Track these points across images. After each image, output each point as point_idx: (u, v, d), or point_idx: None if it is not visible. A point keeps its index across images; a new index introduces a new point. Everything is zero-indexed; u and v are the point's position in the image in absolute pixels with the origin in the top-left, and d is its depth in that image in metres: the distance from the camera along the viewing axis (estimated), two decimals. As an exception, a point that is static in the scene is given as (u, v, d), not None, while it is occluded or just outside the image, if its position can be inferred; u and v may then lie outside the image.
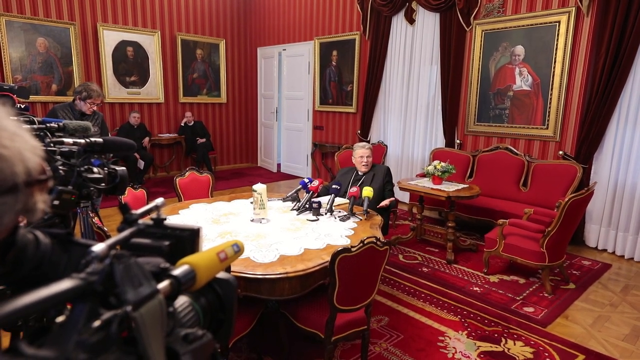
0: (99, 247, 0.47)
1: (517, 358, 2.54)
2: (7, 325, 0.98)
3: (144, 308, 0.46)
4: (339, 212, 3.00)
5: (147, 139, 7.09)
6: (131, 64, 7.22)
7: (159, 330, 0.47)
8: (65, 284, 0.43)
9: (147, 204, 0.63)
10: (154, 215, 0.63)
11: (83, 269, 0.46)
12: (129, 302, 0.45)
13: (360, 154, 3.56)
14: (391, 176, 3.63)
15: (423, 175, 4.58)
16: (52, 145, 1.09)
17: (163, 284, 0.51)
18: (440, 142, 5.73)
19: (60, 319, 0.45)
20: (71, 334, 0.42)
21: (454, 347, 2.64)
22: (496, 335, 2.79)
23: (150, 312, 0.46)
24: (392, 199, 3.40)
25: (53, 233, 0.65)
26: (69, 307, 0.46)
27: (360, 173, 3.61)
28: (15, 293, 0.68)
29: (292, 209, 3.01)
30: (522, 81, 4.87)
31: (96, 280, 0.45)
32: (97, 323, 0.43)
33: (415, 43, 5.87)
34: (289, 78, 8.07)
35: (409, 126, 6.13)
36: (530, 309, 3.14)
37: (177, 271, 0.53)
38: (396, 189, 4.26)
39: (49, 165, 0.99)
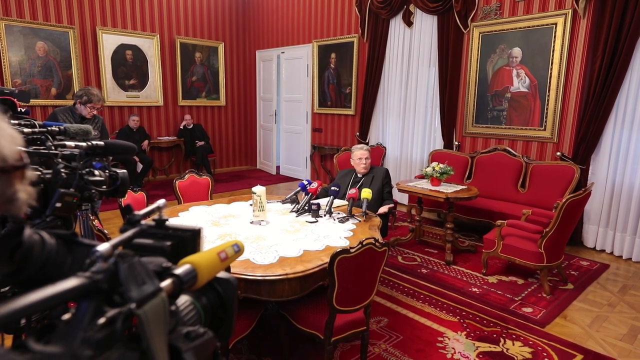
0: (103, 247, 0.48)
1: (515, 358, 2.56)
2: (14, 322, 0.99)
3: (148, 306, 0.47)
4: (338, 213, 3.01)
5: (146, 142, 7.10)
6: (130, 68, 7.24)
7: (162, 327, 0.48)
8: (71, 282, 0.44)
9: (147, 206, 0.64)
10: (155, 216, 0.64)
11: (88, 268, 0.47)
12: (133, 299, 0.46)
13: (359, 156, 3.58)
14: (390, 178, 3.64)
15: (422, 177, 4.60)
16: (53, 148, 1.10)
17: (166, 283, 0.52)
18: (438, 143, 5.75)
19: (66, 316, 0.46)
20: (77, 331, 0.43)
21: (453, 348, 2.65)
22: (495, 335, 2.80)
23: (154, 309, 0.47)
24: (391, 205, 3.41)
25: (58, 234, 0.66)
26: (71, 307, 0.47)
27: (359, 175, 3.62)
28: (18, 294, 0.69)
29: (292, 211, 3.03)
30: (520, 83, 4.90)
31: (101, 279, 0.46)
32: (102, 320, 0.44)
33: (413, 45, 5.89)
34: (287, 81, 8.09)
35: (407, 128, 6.15)
36: (529, 310, 3.15)
37: (179, 270, 0.54)
38: (395, 191, 4.28)
39: (51, 168, 1.01)
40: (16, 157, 0.54)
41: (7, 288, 0.89)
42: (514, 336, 2.79)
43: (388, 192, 3.54)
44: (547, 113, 4.69)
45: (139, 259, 0.50)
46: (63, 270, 0.63)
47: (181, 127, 7.79)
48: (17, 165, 0.54)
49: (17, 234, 0.60)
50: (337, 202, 3.17)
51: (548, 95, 4.66)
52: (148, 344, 0.46)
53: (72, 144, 1.14)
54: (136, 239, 0.59)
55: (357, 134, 6.74)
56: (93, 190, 1.05)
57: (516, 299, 3.33)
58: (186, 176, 3.59)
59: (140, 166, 6.73)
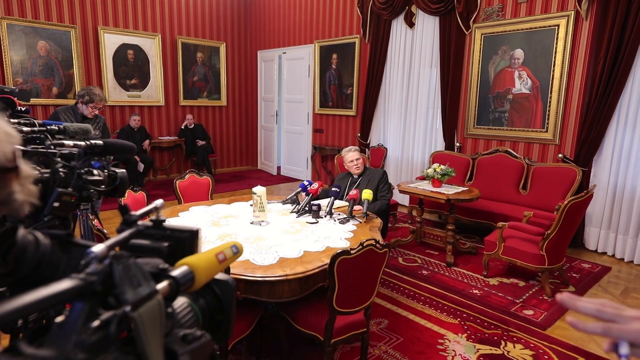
0: (98, 248, 0.47)
1: (516, 361, 2.54)
2: (7, 324, 0.98)
3: (143, 308, 0.46)
4: (339, 214, 3.00)
5: (147, 141, 7.11)
6: (132, 67, 7.24)
7: (158, 330, 0.47)
8: (65, 284, 0.43)
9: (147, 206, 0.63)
10: (153, 216, 0.63)
11: (82, 269, 0.46)
12: (128, 302, 0.45)
13: (350, 158, 3.56)
14: (387, 179, 3.59)
15: (423, 178, 4.59)
16: (52, 147, 1.09)
17: (162, 285, 0.51)
18: (440, 145, 5.73)
19: (59, 319, 0.45)
20: (70, 334, 0.42)
21: (454, 350, 2.63)
22: (496, 338, 2.79)
23: (149, 312, 0.46)
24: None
25: (53, 234, 0.65)
26: (67, 308, 0.46)
27: (355, 176, 3.60)
28: (14, 294, 0.68)
29: (292, 212, 3.02)
30: (522, 84, 4.88)
31: (95, 281, 0.45)
32: (96, 323, 0.43)
33: (415, 46, 5.88)
34: (289, 81, 8.08)
35: (408, 129, 6.14)
36: (530, 312, 3.14)
37: (176, 272, 0.53)
38: (396, 192, 4.27)
39: (49, 167, 1.00)
40: (9, 157, 0.51)
41: (4, 288, 0.89)
42: (514, 339, 2.78)
43: (382, 191, 3.49)
44: (549, 115, 4.67)
45: (135, 261, 0.49)
46: (58, 271, 0.62)
47: (182, 127, 7.79)
48: (8, 167, 0.52)
49: (10, 234, 0.59)
50: (338, 203, 3.16)
51: (550, 97, 4.64)
52: (143, 347, 0.45)
53: (70, 143, 1.13)
54: (133, 239, 0.58)
55: (358, 134, 6.73)
56: (91, 190, 1.04)
57: (517, 301, 3.31)
58: (187, 176, 3.59)
59: (141, 166, 6.73)
